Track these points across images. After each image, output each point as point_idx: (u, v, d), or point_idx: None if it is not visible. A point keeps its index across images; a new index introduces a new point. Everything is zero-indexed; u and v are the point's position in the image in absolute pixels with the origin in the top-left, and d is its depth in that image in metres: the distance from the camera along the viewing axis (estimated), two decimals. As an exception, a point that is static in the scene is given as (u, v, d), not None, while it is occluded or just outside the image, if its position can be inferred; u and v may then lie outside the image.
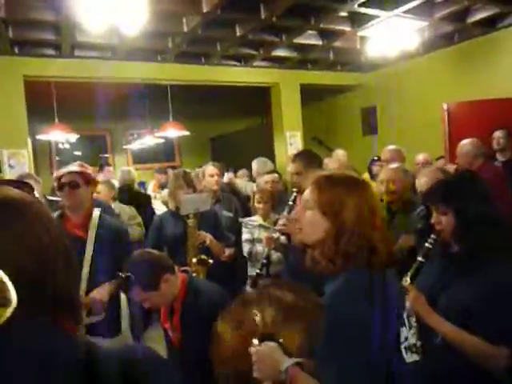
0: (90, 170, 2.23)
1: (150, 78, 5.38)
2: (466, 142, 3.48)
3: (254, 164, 4.46)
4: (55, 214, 2.18)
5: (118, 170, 5.35)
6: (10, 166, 4.40)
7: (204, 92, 6.43)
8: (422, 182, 2.45)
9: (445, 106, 4.89)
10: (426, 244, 1.61)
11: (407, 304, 1.04)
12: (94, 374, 0.59)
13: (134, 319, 3.64)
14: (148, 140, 7.39)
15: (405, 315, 1.01)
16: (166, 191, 5.01)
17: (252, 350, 1.22)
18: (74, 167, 2.13)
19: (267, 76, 6.06)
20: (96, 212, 2.22)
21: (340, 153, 5.01)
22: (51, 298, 0.62)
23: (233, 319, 1.45)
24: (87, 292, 2.05)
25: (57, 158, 8.22)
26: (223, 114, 8.48)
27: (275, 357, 1.16)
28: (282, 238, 2.56)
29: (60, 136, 5.65)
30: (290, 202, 2.42)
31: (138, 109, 7.43)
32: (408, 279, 1.57)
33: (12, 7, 3.73)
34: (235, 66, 5.75)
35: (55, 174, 2.19)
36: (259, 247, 2.93)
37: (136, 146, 8.17)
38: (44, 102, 5.36)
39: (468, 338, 1.37)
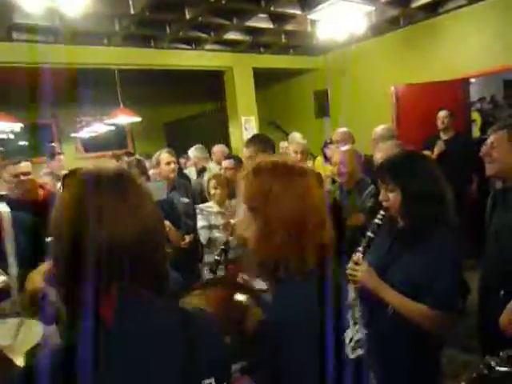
0: None
1: (96, 62, 5.16)
2: (380, 127, 3.47)
3: (192, 152, 4.44)
4: None
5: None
6: None
7: (156, 76, 6.26)
8: (379, 157, 2.53)
9: (392, 89, 5.07)
10: (375, 220, 1.70)
11: (349, 297, 0.96)
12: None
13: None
14: (98, 127, 7.12)
15: (349, 315, 0.92)
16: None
17: None
18: None
19: (219, 60, 5.99)
20: (4, 208, 2.10)
21: (297, 135, 5.07)
22: (153, 271, 0.72)
23: None
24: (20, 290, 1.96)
25: (0, 149, 7.73)
26: (177, 99, 8.30)
27: None
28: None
29: (1, 126, 5.31)
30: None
31: (86, 95, 7.10)
32: (360, 254, 1.66)
33: None
34: (186, 49, 5.62)
35: None
36: (217, 233, 2.95)
37: (85, 133, 7.84)
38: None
39: (415, 306, 1.48)
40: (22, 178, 2.44)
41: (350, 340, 0.91)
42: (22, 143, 8.23)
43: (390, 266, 1.60)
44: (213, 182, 2.97)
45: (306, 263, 0.91)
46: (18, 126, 5.73)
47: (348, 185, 2.87)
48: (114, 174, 0.74)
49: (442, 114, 4.33)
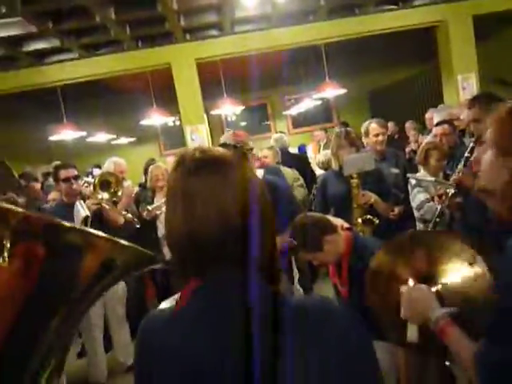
0: (242, 137, 2.39)
1: (304, 40, 5.40)
2: None
3: (429, 114, 4.08)
4: None
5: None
6: (193, 140, 5.11)
7: (358, 45, 6.12)
8: None
9: None
10: None
11: None
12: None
13: (304, 274, 3.92)
14: (306, 103, 7.50)
15: None
16: (322, 153, 5.07)
17: (403, 289, 1.20)
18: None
19: (431, 14, 5.39)
20: (259, 173, 2.45)
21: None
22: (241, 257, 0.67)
23: (392, 257, 1.43)
24: None
25: (227, 130, 9.09)
26: (381, 66, 7.96)
27: (426, 303, 1.12)
28: (456, 195, 2.35)
29: (229, 109, 6.21)
30: (467, 154, 2.18)
31: (295, 73, 7.57)
32: None
33: (181, -2, 4.20)
34: (392, 10, 5.28)
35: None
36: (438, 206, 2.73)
37: (295, 110, 8.39)
38: (213, 79, 5.93)
39: None
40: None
41: None
42: (242, 123, 9.47)
43: None
44: (435, 154, 2.75)
45: None
46: (239, 109, 6.58)
47: None
48: (212, 158, 0.71)
49: None
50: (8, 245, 0.54)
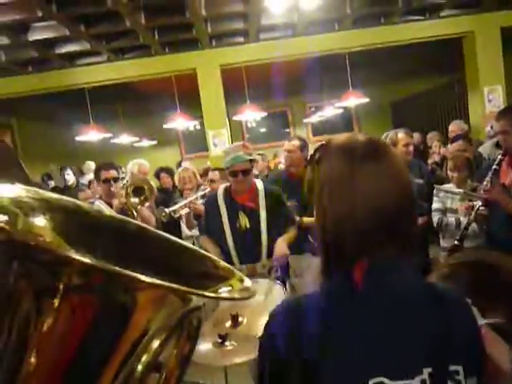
0: (250, 147, 2.43)
1: (328, 48, 5.42)
2: None
3: (452, 126, 4.06)
4: (222, 187, 2.49)
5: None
6: (215, 145, 5.16)
7: (383, 54, 6.11)
8: None
9: None
10: None
11: None
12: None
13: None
14: (327, 111, 7.50)
15: None
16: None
17: None
18: (245, 156, 2.29)
19: (458, 25, 5.35)
20: (259, 183, 2.47)
21: None
22: (403, 239, 0.72)
23: None
24: (269, 254, 2.32)
25: (247, 136, 9.16)
26: (405, 76, 7.92)
27: None
28: (482, 208, 2.32)
29: (251, 115, 6.25)
30: (495, 166, 2.15)
31: (317, 81, 7.58)
32: None
33: (210, 5, 4.26)
34: (419, 20, 5.27)
35: (227, 163, 2.35)
36: (451, 218, 2.71)
37: (315, 118, 8.39)
38: (236, 85, 5.99)
39: None
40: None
41: None
42: (262, 130, 9.52)
43: None
44: (450, 164, 2.74)
45: None
46: (260, 115, 6.62)
47: None
48: (367, 143, 0.75)
49: None
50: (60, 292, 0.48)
